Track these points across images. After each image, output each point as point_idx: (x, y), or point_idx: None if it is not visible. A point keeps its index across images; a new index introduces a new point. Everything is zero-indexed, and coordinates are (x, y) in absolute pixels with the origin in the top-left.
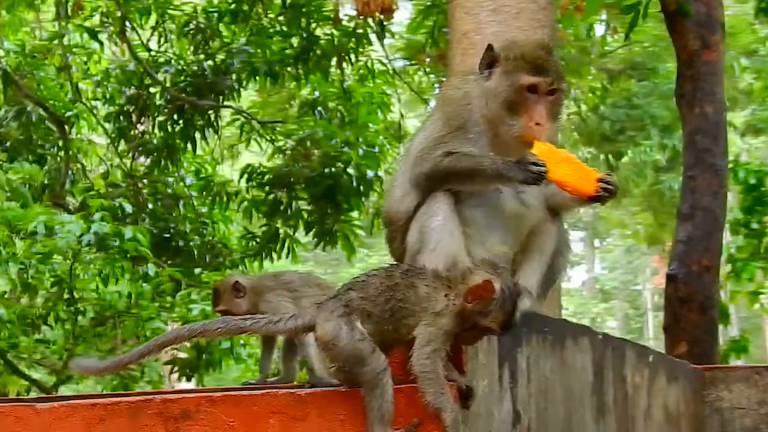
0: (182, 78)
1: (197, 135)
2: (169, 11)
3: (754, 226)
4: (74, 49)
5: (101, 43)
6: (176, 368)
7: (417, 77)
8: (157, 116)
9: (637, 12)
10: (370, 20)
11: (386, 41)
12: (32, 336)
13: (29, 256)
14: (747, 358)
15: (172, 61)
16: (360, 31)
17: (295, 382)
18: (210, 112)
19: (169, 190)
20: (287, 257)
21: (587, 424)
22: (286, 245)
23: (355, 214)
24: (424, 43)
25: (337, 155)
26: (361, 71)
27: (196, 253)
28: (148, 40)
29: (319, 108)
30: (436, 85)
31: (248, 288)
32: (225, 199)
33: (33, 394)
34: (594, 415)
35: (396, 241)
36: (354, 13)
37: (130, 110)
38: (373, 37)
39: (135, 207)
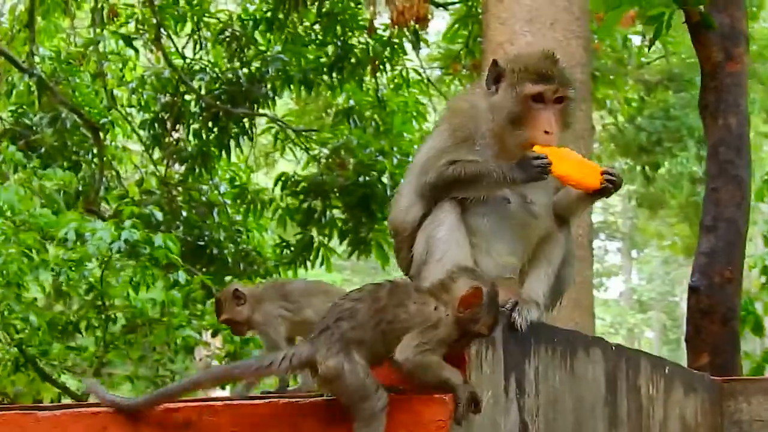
0: (217, 86)
1: (232, 143)
2: (205, 19)
3: None
4: (109, 56)
5: (136, 51)
6: None
7: (453, 87)
8: (192, 124)
9: (661, 23)
10: (405, 29)
11: (423, 51)
12: (63, 343)
13: (60, 263)
14: None
15: (207, 68)
16: (395, 40)
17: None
18: (245, 120)
19: (204, 198)
20: (321, 266)
21: None
22: (320, 254)
23: None
24: (459, 52)
25: (372, 164)
26: (396, 80)
27: (230, 261)
28: (184, 48)
29: (354, 117)
30: None
31: (248, 296)
32: (259, 207)
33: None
34: (606, 426)
35: (403, 251)
36: (389, 22)
37: (165, 117)
38: (408, 46)
39: (169, 215)
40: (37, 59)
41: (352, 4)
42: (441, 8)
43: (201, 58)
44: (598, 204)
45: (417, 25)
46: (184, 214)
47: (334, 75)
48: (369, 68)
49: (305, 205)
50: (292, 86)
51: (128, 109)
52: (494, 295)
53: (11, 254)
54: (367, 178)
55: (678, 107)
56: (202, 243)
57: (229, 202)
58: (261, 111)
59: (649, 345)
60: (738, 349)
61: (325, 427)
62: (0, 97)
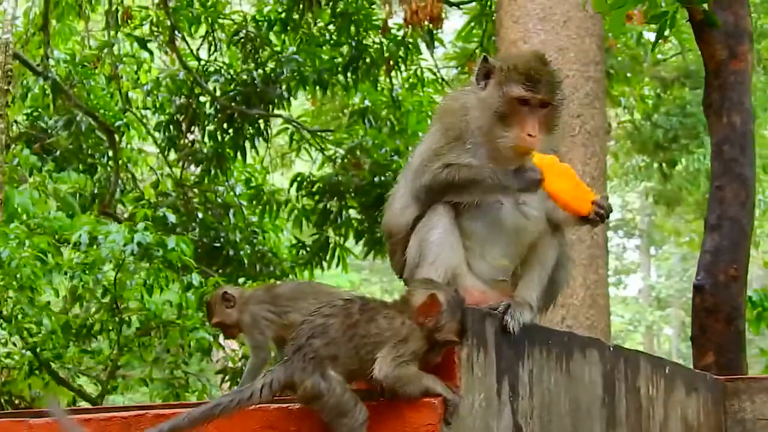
0: (232, 87)
1: (247, 144)
2: (219, 20)
3: None
4: (124, 59)
5: (151, 53)
6: (227, 377)
7: None
8: (207, 125)
9: (665, 22)
10: (419, 29)
11: (438, 50)
12: (78, 346)
13: (73, 266)
14: None
15: (222, 70)
16: (409, 40)
17: None
18: (260, 121)
19: (219, 200)
20: (337, 266)
21: None
22: (336, 254)
23: None
24: (473, 51)
25: (387, 164)
26: (411, 80)
27: (246, 262)
28: (198, 49)
29: (369, 117)
30: None
31: (237, 298)
32: (275, 208)
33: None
34: (604, 427)
35: (397, 254)
36: (403, 22)
37: (180, 119)
38: (423, 46)
39: (185, 216)
40: (52, 62)
41: (366, 5)
42: (455, 7)
43: (215, 60)
44: (616, 201)
45: (431, 25)
46: (200, 215)
47: (348, 75)
48: (383, 68)
49: (321, 205)
50: (306, 87)
51: (143, 112)
52: (456, 302)
53: (25, 258)
54: (383, 178)
55: (694, 104)
56: (218, 244)
57: (244, 203)
58: (276, 112)
59: (668, 342)
60: (743, 347)
61: None
62: (15, 101)
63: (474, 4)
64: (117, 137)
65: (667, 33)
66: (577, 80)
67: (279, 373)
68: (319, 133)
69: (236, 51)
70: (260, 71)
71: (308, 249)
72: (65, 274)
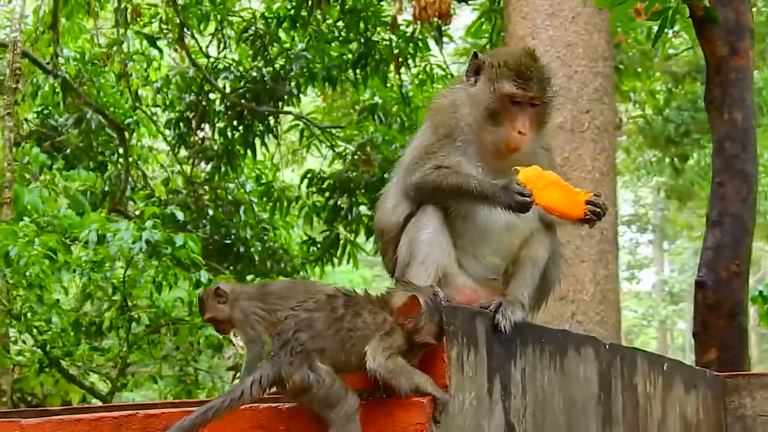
0: (241, 84)
1: (257, 141)
2: (228, 17)
3: None
4: (134, 56)
5: (160, 50)
6: (238, 374)
7: None
8: (217, 122)
9: (665, 19)
10: (428, 25)
11: (451, 46)
12: (89, 343)
13: (82, 265)
14: None
15: (231, 67)
16: (418, 36)
17: None
18: (269, 118)
19: (230, 197)
20: (348, 262)
21: None
22: (346, 250)
23: None
24: (482, 47)
25: (397, 160)
26: (421, 76)
27: (257, 259)
28: (207, 47)
29: (379, 113)
30: None
31: (229, 293)
32: (285, 204)
33: (93, 403)
34: (599, 425)
35: (389, 252)
36: (412, 18)
37: (190, 117)
38: (432, 42)
39: (195, 213)
40: (61, 60)
41: (375, 1)
42: (465, 3)
43: (225, 57)
44: (629, 196)
45: (440, 21)
46: (211, 212)
47: (357, 72)
48: (392, 65)
49: (331, 202)
50: (315, 84)
51: (153, 109)
52: (435, 304)
53: (34, 256)
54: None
55: None
56: (228, 241)
57: (255, 200)
58: (286, 109)
59: (681, 336)
60: (745, 343)
61: (305, 431)
62: (25, 99)
63: (483, 0)
64: (127, 135)
65: (677, 28)
66: (585, 76)
67: (267, 369)
68: (328, 130)
69: (245, 48)
70: (269, 68)
71: (319, 245)
72: (74, 272)
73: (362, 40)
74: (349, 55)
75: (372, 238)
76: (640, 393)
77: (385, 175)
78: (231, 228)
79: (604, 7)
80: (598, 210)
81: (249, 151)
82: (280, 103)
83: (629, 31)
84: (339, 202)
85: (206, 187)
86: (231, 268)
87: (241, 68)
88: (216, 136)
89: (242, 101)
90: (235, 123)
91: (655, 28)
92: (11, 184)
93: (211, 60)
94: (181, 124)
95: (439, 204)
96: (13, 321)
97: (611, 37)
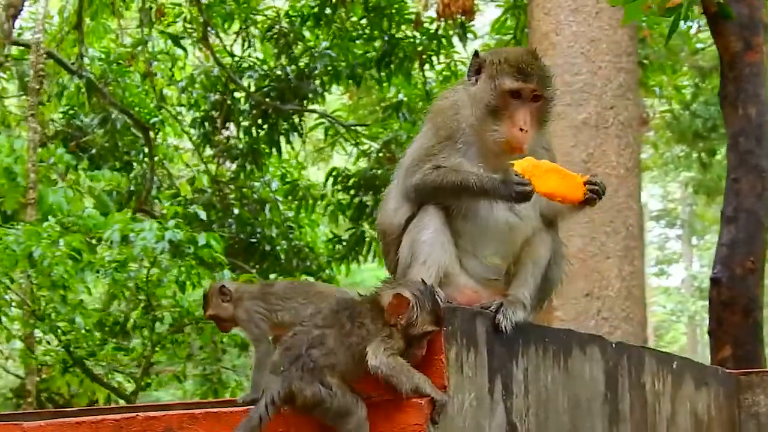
0: (266, 83)
1: (282, 139)
2: (252, 16)
3: None
4: (158, 56)
5: (184, 50)
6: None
7: None
8: (242, 121)
9: (678, 15)
10: (451, 22)
11: (476, 42)
12: (116, 344)
13: (105, 265)
14: None
15: (256, 66)
16: (442, 33)
17: None
18: (294, 116)
19: (255, 195)
20: (374, 260)
21: None
22: (372, 248)
23: None
24: (506, 43)
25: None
26: (445, 73)
27: (282, 257)
28: (231, 46)
29: (404, 111)
30: None
31: (233, 292)
32: (311, 202)
33: (115, 403)
34: (606, 424)
35: (390, 254)
36: (435, 15)
37: (215, 116)
38: (456, 39)
39: (221, 212)
40: (86, 61)
41: None
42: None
43: (249, 56)
44: (657, 191)
45: (463, 18)
46: (236, 211)
47: (381, 69)
48: (416, 62)
49: (357, 199)
50: (340, 82)
51: (178, 108)
52: (424, 293)
53: (57, 257)
54: None
55: None
56: (254, 240)
57: (280, 198)
58: (310, 107)
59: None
60: (760, 340)
61: None
62: (51, 99)
63: None
64: (152, 134)
65: (702, 23)
66: (609, 71)
67: (278, 386)
68: (353, 128)
69: (270, 46)
70: (294, 66)
71: (344, 243)
72: (97, 272)
73: (386, 38)
74: (373, 53)
75: None
76: (648, 391)
77: None
78: (256, 226)
79: (618, 5)
80: (596, 188)
81: (274, 150)
82: (304, 102)
83: (654, 25)
84: (364, 200)
85: (231, 186)
86: (257, 266)
87: (265, 67)
88: (241, 135)
89: (267, 100)
90: (259, 121)
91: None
92: (35, 185)
93: (236, 59)
94: (206, 123)
95: (440, 203)
96: (37, 321)
97: (635, 33)
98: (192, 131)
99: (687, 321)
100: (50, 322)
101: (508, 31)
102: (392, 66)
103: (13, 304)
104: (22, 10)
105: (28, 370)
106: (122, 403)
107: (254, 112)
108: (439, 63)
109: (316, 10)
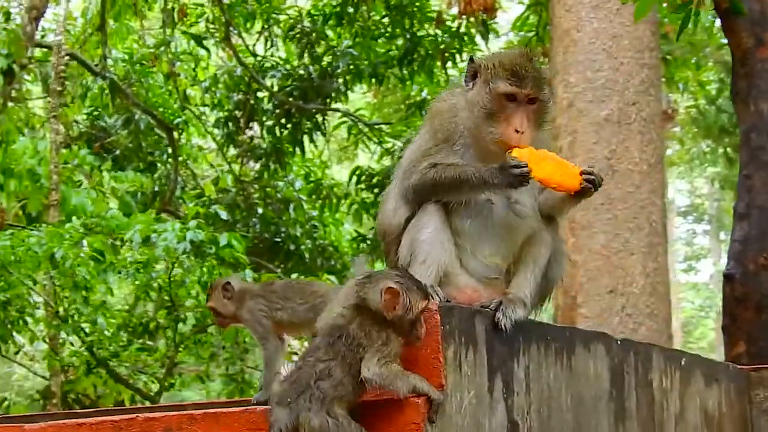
0: (289, 82)
1: (305, 138)
2: (274, 16)
3: None
4: (181, 56)
5: (207, 50)
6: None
7: None
8: (266, 121)
9: (689, 11)
10: (473, 20)
11: (502, 39)
12: (142, 344)
13: (127, 266)
14: None
15: (279, 65)
16: (463, 30)
17: None
18: (317, 115)
19: (279, 195)
20: None
21: (603, 431)
22: None
23: None
24: (528, 41)
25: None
26: None
27: (307, 256)
28: (254, 45)
29: (427, 109)
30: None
31: (237, 291)
32: (335, 201)
33: (141, 403)
34: (612, 421)
35: (391, 253)
36: (457, 12)
37: (239, 116)
38: (479, 37)
39: (244, 212)
40: (110, 62)
41: None
42: None
43: (272, 55)
44: (684, 187)
45: (485, 15)
46: (260, 211)
47: (404, 67)
48: (438, 60)
49: (380, 198)
50: (362, 80)
51: (201, 109)
52: (404, 277)
53: (80, 258)
54: None
55: None
56: (278, 239)
57: (304, 197)
58: (333, 106)
59: None
60: None
61: None
62: (74, 100)
63: None
64: (176, 135)
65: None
66: (631, 67)
67: (285, 418)
68: (376, 126)
69: (292, 46)
70: (316, 65)
71: (369, 242)
72: (119, 273)
73: (408, 36)
74: (395, 51)
75: None
76: (655, 388)
77: None
78: (281, 226)
79: (629, 1)
80: (593, 178)
81: (297, 149)
82: (327, 101)
83: (677, 21)
84: None
85: (255, 186)
86: (281, 266)
87: (288, 66)
88: (264, 135)
89: (290, 99)
90: (283, 121)
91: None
92: (58, 186)
93: (258, 58)
94: (230, 123)
95: (440, 200)
96: (60, 323)
97: (657, 28)
98: (215, 131)
99: (716, 317)
100: (73, 323)
101: (530, 29)
102: (414, 64)
103: (40, 306)
104: (45, 12)
105: (52, 371)
106: (147, 404)
107: (277, 111)
108: (462, 61)
109: (338, 8)
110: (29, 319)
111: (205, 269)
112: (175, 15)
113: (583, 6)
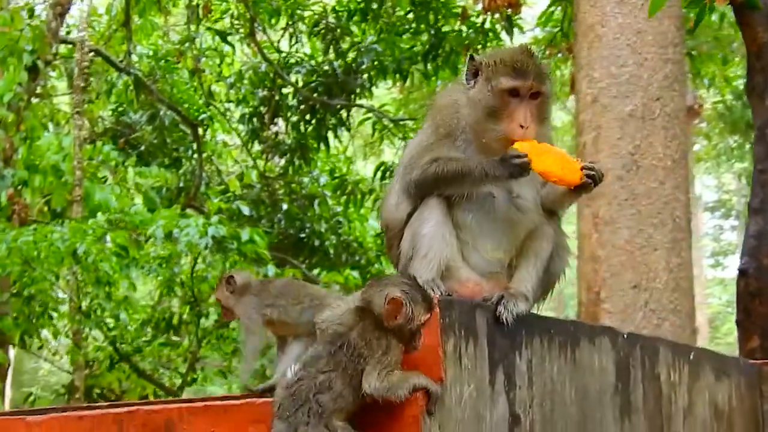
0: (313, 78)
1: (330, 134)
2: (299, 12)
3: None
4: (206, 52)
5: (232, 46)
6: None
7: (558, 72)
8: (290, 117)
9: (704, 6)
10: (498, 15)
11: (527, 35)
12: (167, 338)
13: (149, 261)
14: None
15: (303, 61)
16: (488, 26)
17: None
18: (342, 111)
19: (304, 190)
20: None
21: (608, 424)
22: None
23: None
24: (553, 36)
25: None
26: None
27: (332, 252)
28: (279, 41)
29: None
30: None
31: (239, 285)
32: (359, 197)
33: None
34: (617, 415)
35: (393, 248)
36: (481, 8)
37: (263, 111)
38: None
39: (269, 208)
40: (135, 58)
41: None
42: None
43: (296, 51)
44: (712, 182)
45: (510, 11)
46: (285, 207)
47: (428, 63)
48: (463, 55)
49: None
50: (386, 76)
51: (226, 105)
52: (411, 286)
53: (102, 253)
54: None
55: None
56: (303, 235)
57: (329, 193)
58: (358, 101)
59: None
60: None
61: None
62: (100, 97)
63: None
64: (201, 131)
65: None
66: (656, 63)
67: (283, 430)
68: (401, 122)
69: (317, 42)
70: (341, 61)
71: None
72: (142, 268)
73: (433, 32)
74: (420, 47)
75: None
76: (663, 382)
77: None
78: (305, 222)
79: None
80: (593, 174)
81: (322, 145)
82: (352, 96)
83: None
84: None
85: (280, 182)
86: (306, 261)
87: (312, 62)
88: (289, 131)
89: (314, 95)
90: (307, 117)
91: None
92: (81, 182)
93: (283, 54)
94: (254, 119)
95: (442, 194)
96: (83, 318)
97: (682, 23)
98: (240, 127)
99: None
100: (96, 318)
101: (555, 24)
102: (439, 60)
103: (65, 302)
104: (69, 8)
105: (75, 366)
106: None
107: (302, 107)
108: None
109: (362, 4)
110: (54, 314)
111: (227, 264)
112: (200, 11)
113: (608, 1)
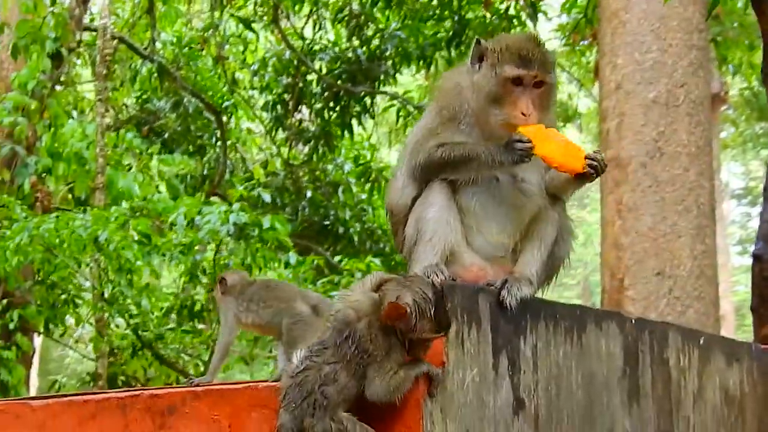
0: (337, 65)
1: (354, 121)
2: None
3: None
4: (230, 40)
5: (256, 33)
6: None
7: (584, 59)
8: (314, 104)
9: None
10: (522, 2)
11: (553, 22)
12: (191, 326)
13: (171, 248)
14: None
15: (327, 48)
16: (512, 13)
17: None
18: (366, 98)
19: (328, 178)
20: None
21: (615, 408)
22: None
23: None
24: (577, 23)
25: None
26: None
27: (356, 239)
28: (302, 28)
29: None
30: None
31: (228, 286)
32: (384, 184)
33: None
34: (625, 398)
35: (398, 233)
36: None
37: (287, 99)
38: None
39: (293, 195)
40: (158, 45)
41: None
42: None
43: (320, 38)
44: (738, 169)
45: None
46: (309, 194)
47: (452, 50)
48: None
49: None
50: (410, 63)
51: (250, 92)
52: (426, 300)
53: (124, 240)
54: None
55: None
56: (327, 222)
57: (353, 180)
58: (382, 88)
59: None
60: None
61: None
62: (124, 84)
63: None
64: (224, 118)
65: None
66: (680, 49)
67: (289, 422)
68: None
69: (341, 29)
70: (365, 48)
71: None
72: (164, 255)
73: (456, 18)
74: (444, 34)
75: None
76: (672, 366)
77: None
78: (329, 209)
79: None
80: (596, 164)
81: (346, 132)
82: (376, 83)
83: (726, 1)
84: None
85: (304, 169)
86: (330, 249)
87: (336, 49)
88: (313, 118)
89: (338, 82)
90: (331, 104)
91: None
92: (104, 170)
93: (307, 41)
94: (278, 107)
95: (447, 178)
96: (105, 305)
97: (706, 9)
98: (264, 114)
99: None
100: (118, 305)
101: (579, 10)
102: (462, 46)
103: (88, 291)
104: None
105: (98, 353)
106: None
107: (326, 94)
108: None
109: None
110: (79, 301)
111: (249, 252)
112: None
113: None
